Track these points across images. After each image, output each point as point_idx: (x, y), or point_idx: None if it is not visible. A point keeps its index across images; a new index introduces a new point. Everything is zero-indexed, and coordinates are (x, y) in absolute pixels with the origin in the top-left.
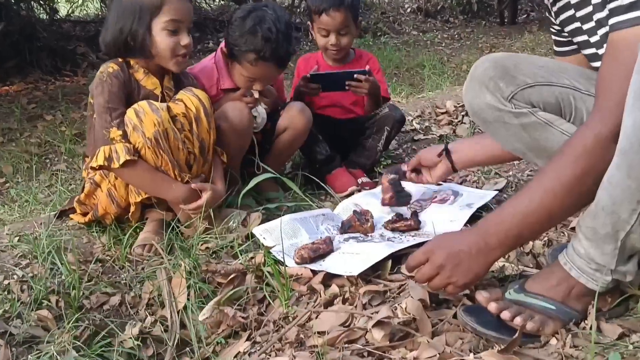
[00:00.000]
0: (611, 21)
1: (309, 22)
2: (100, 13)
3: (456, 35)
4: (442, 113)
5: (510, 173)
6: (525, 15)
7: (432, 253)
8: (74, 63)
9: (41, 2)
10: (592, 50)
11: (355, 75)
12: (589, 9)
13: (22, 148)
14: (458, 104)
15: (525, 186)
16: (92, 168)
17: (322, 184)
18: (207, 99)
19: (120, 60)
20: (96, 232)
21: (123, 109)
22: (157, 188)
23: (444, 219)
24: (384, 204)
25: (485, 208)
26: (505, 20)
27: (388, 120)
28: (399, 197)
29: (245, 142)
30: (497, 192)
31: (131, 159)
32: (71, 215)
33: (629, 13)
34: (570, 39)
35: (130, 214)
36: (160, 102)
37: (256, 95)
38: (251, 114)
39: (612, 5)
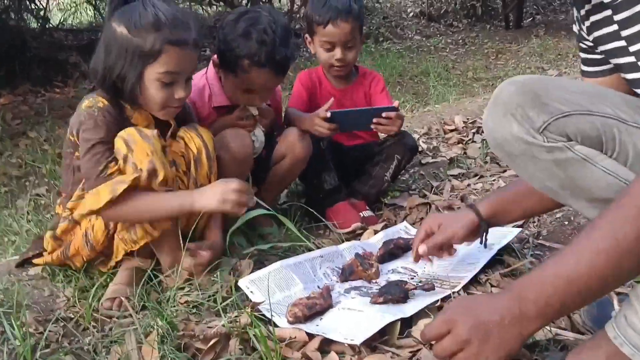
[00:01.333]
0: None
1: (306, 36)
2: (94, 21)
3: (460, 40)
4: (451, 130)
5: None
6: (530, 19)
7: (455, 323)
8: (65, 73)
9: (33, 10)
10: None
11: (384, 114)
12: None
13: (1, 170)
14: (467, 119)
15: (572, 243)
16: (91, 212)
17: (322, 219)
18: (211, 139)
19: (109, 95)
20: (60, 283)
21: None
22: (160, 209)
23: (460, 262)
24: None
25: (506, 249)
26: (511, 24)
27: (399, 148)
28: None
29: (245, 172)
30: (519, 229)
31: (137, 177)
32: (35, 261)
33: None
34: (605, 58)
35: (108, 265)
36: None
37: (255, 112)
38: (251, 141)
39: None
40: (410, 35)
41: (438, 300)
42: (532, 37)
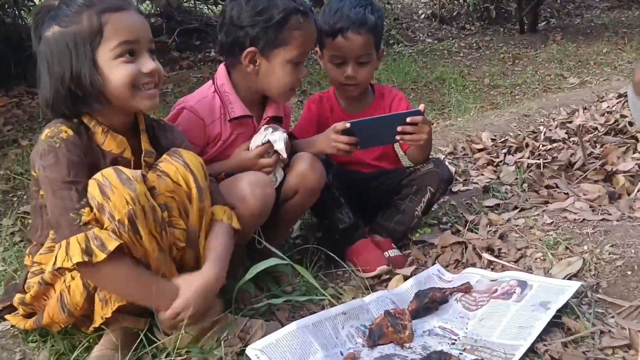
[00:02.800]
0: None
1: (316, 49)
2: None
3: (474, 44)
4: (479, 150)
5: (585, 248)
6: (545, 22)
7: None
8: None
9: (30, 8)
10: None
11: (408, 119)
12: None
13: None
14: (495, 135)
15: None
16: (62, 269)
17: (341, 262)
18: (200, 167)
19: (75, 120)
20: (34, 343)
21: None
22: (141, 291)
23: (511, 323)
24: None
25: (565, 308)
26: (525, 27)
27: (432, 179)
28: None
29: (259, 224)
30: (578, 283)
31: (120, 243)
32: (7, 316)
33: None
34: None
35: (90, 328)
36: (133, 168)
37: (279, 148)
38: (274, 189)
39: None
40: (421, 38)
41: None
42: (550, 42)
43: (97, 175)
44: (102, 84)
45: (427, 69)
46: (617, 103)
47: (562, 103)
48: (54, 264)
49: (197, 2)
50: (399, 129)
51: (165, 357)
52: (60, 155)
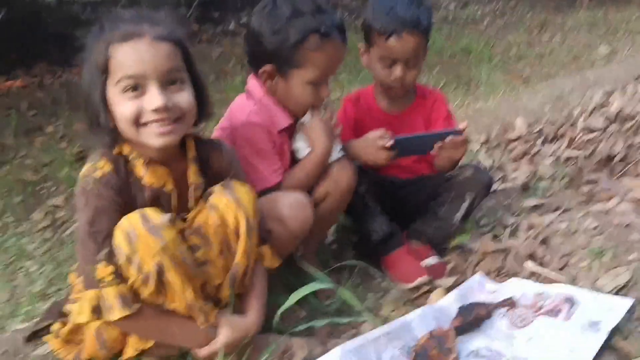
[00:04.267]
0: None
1: (359, 45)
2: None
3: (498, 10)
4: (514, 140)
5: (633, 256)
6: None
7: None
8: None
9: None
10: None
11: (448, 138)
12: None
13: (15, 176)
14: (533, 120)
15: None
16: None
17: (379, 271)
18: (252, 202)
19: (115, 151)
20: None
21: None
22: (166, 337)
23: (560, 344)
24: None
25: (618, 329)
26: None
27: (472, 185)
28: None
29: (299, 242)
30: (631, 300)
31: (132, 313)
32: (46, 338)
33: None
34: None
35: (123, 358)
36: (178, 202)
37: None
38: (312, 211)
39: None
40: (444, 4)
41: None
42: (577, 5)
43: (123, 223)
44: (113, 121)
45: (451, 38)
46: None
47: (596, 82)
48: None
49: None
50: (438, 144)
51: None
52: (90, 199)
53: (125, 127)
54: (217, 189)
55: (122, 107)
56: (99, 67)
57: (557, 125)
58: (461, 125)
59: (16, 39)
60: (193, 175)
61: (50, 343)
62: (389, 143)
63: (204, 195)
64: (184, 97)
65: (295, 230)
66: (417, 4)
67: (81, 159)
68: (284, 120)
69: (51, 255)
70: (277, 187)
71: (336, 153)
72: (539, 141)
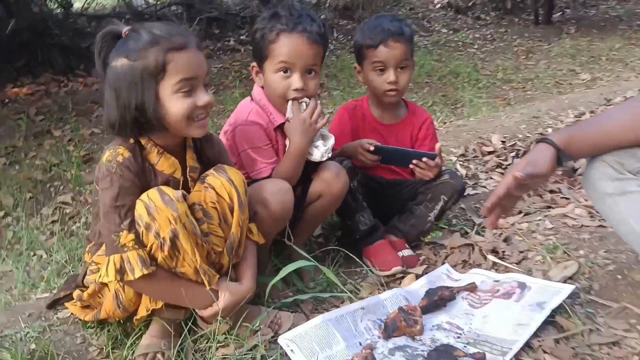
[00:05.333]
0: None
1: (355, 65)
2: (117, 6)
3: (489, 35)
4: (489, 152)
5: (581, 252)
6: (560, 13)
7: None
8: (88, 62)
9: None
10: None
11: (423, 159)
12: None
13: (26, 174)
14: (505, 137)
15: None
16: (101, 284)
17: (360, 261)
18: (242, 183)
19: (131, 142)
20: (93, 329)
21: (134, 205)
22: (175, 298)
23: (508, 320)
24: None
25: (560, 308)
26: (540, 18)
27: (446, 189)
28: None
29: (282, 226)
30: (572, 286)
31: (148, 273)
32: (67, 305)
33: None
34: None
35: (136, 317)
36: (182, 187)
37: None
38: (292, 195)
39: None
40: (437, 28)
41: None
42: (563, 35)
43: (144, 197)
44: (162, 114)
45: (441, 62)
46: None
47: (570, 105)
48: (99, 278)
49: None
50: (414, 162)
51: (206, 343)
52: (114, 179)
53: (177, 120)
54: (212, 172)
55: (179, 104)
56: (155, 70)
57: (528, 141)
58: (436, 147)
59: (24, 49)
60: (191, 161)
61: (71, 308)
62: (371, 147)
63: (200, 177)
64: (212, 97)
65: (277, 212)
66: (398, 19)
67: (87, 160)
68: (279, 118)
69: (61, 245)
70: (270, 177)
71: (323, 150)
72: (511, 155)
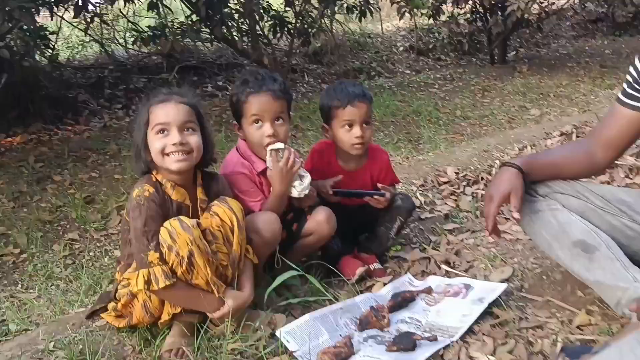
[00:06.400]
0: None
1: (323, 125)
2: (99, 57)
3: (448, 76)
4: (445, 182)
5: (516, 260)
6: (514, 52)
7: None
8: (75, 111)
9: (44, 50)
10: None
11: (375, 196)
12: None
13: (35, 216)
14: (459, 170)
15: None
16: (131, 293)
17: (336, 270)
18: (240, 210)
19: (153, 179)
20: (126, 333)
21: (159, 230)
22: (191, 303)
23: (456, 312)
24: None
25: (496, 302)
26: (495, 58)
27: (401, 211)
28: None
29: (273, 247)
30: (505, 285)
31: (170, 284)
32: (102, 315)
33: None
34: None
35: (160, 321)
36: (192, 212)
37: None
38: (280, 226)
39: None
40: (400, 70)
41: (440, 349)
42: (516, 73)
43: (167, 224)
44: (149, 151)
45: (405, 102)
46: (558, 141)
47: (516, 139)
48: (130, 288)
49: (195, 42)
50: (367, 199)
51: (218, 341)
52: (143, 210)
53: (155, 156)
54: (216, 202)
55: (155, 143)
56: (146, 119)
57: (477, 172)
58: (385, 192)
59: (17, 101)
60: (200, 194)
61: (106, 317)
62: (331, 192)
63: (206, 208)
64: (194, 139)
65: (268, 238)
66: (359, 84)
67: (90, 202)
68: (260, 165)
69: (76, 275)
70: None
71: (300, 189)
72: (463, 184)
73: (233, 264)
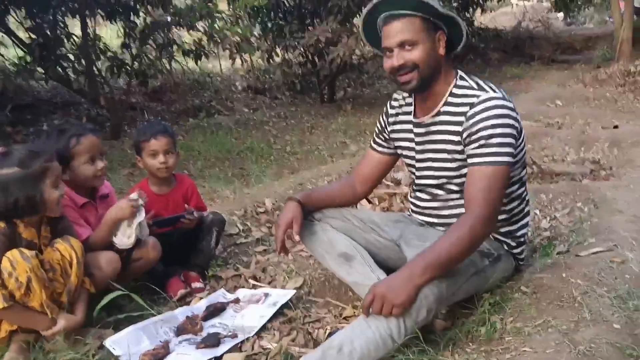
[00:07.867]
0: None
1: (137, 157)
2: None
3: (282, 114)
4: (262, 212)
5: (307, 272)
6: (342, 92)
7: (375, 288)
8: None
9: None
10: None
11: (186, 216)
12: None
13: None
14: (276, 201)
15: (430, 247)
16: None
17: (160, 291)
18: (80, 249)
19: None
20: None
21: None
22: (27, 323)
23: (256, 315)
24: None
25: (288, 304)
26: (325, 98)
27: (214, 223)
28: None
29: (112, 280)
30: (294, 291)
31: (7, 306)
32: None
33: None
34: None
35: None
36: (39, 249)
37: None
38: (120, 263)
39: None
40: (239, 108)
41: (238, 343)
42: (342, 112)
43: (8, 254)
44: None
45: (240, 139)
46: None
47: (326, 173)
48: None
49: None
50: (181, 220)
51: (53, 354)
52: None
53: (51, 206)
54: (59, 240)
55: (51, 196)
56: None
57: None
58: (193, 211)
59: None
60: (45, 232)
61: None
62: (151, 222)
63: (50, 244)
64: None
65: (109, 274)
66: (161, 122)
67: None
68: (78, 199)
69: None
70: (87, 239)
71: (143, 230)
72: (277, 213)
73: (69, 292)
